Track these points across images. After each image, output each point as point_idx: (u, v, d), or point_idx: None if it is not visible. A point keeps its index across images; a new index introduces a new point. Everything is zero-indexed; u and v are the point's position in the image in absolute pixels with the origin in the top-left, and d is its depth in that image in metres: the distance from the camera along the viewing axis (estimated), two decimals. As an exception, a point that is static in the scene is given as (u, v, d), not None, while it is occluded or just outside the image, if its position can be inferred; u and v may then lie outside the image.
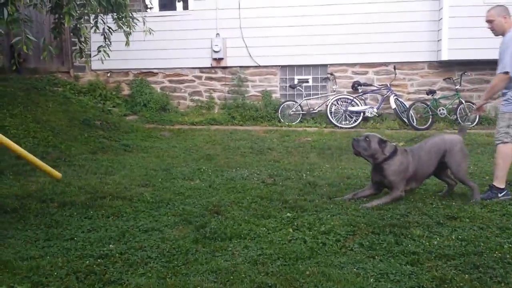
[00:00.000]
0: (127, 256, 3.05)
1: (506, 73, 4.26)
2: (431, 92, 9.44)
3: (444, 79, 9.68)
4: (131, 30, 7.47)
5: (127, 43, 7.49)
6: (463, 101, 9.18)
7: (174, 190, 4.62)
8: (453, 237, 3.32)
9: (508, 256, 2.98)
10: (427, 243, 3.21)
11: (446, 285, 2.61)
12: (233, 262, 2.93)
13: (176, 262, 2.95)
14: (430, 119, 9.15)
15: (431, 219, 3.72)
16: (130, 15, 7.46)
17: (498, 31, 4.45)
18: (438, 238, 3.31)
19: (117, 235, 3.42)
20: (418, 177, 4.38)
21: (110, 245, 3.23)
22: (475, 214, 3.82)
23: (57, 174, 3.17)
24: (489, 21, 4.48)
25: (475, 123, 9.08)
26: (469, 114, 9.17)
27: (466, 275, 2.72)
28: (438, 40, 9.36)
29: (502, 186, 4.37)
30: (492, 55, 8.92)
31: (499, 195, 4.35)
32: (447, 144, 4.37)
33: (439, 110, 9.28)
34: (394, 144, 4.46)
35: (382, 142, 4.27)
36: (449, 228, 3.52)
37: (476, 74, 9.63)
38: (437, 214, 3.84)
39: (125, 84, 10.58)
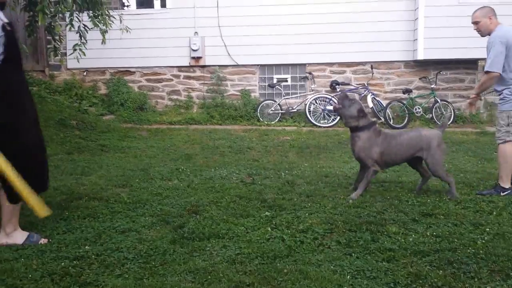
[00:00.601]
0: (103, 257, 3.02)
1: (487, 72, 4.36)
2: (407, 91, 9.59)
3: (420, 78, 9.84)
4: (108, 28, 7.38)
5: (104, 41, 7.40)
6: (439, 100, 9.36)
7: (152, 191, 4.59)
8: (428, 234, 3.38)
9: (481, 251, 3.04)
10: (403, 240, 3.26)
11: (421, 281, 2.65)
12: (211, 261, 2.92)
13: (153, 263, 2.93)
14: (407, 118, 9.30)
15: (407, 216, 3.78)
16: (106, 12, 7.37)
17: (484, 32, 4.53)
18: (413, 235, 3.37)
19: (93, 237, 3.38)
20: (381, 161, 4.38)
21: (86, 247, 3.18)
22: (450, 211, 3.90)
23: (43, 211, 3.08)
24: (475, 23, 4.57)
25: (450, 121, 9.25)
26: (444, 112, 9.35)
27: (441, 271, 2.77)
28: (414, 40, 9.52)
29: (507, 186, 4.44)
30: (467, 54, 9.23)
31: (502, 194, 4.42)
32: (424, 140, 4.35)
33: (415, 109, 9.43)
34: (374, 120, 4.48)
35: (361, 112, 4.34)
36: (424, 225, 3.58)
37: (451, 73, 9.82)
38: (413, 211, 3.91)
39: (101, 83, 10.43)
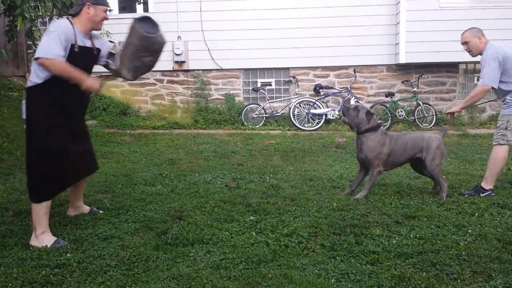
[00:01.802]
0: (85, 265, 2.98)
1: (488, 86, 4.44)
2: (390, 94, 9.69)
3: (402, 82, 9.95)
4: (88, 33, 7.30)
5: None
6: (421, 103, 9.47)
7: (135, 196, 4.54)
8: (411, 236, 3.41)
9: (463, 253, 3.08)
10: (387, 242, 3.28)
11: (404, 283, 2.67)
12: (195, 267, 2.90)
13: (136, 270, 2.89)
14: (389, 121, 9.38)
15: (390, 218, 3.81)
16: (87, 17, 7.29)
17: (475, 52, 4.64)
18: (397, 237, 3.39)
19: (75, 244, 3.34)
20: (388, 162, 4.54)
21: (68, 254, 3.14)
22: (433, 213, 3.94)
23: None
24: (464, 43, 4.66)
25: (432, 124, 9.37)
26: (426, 115, 9.46)
27: (424, 273, 2.80)
28: (396, 44, 9.62)
29: (488, 187, 4.53)
30: (448, 58, 9.36)
31: (481, 195, 4.50)
32: (425, 141, 4.54)
33: (398, 112, 9.53)
34: (380, 121, 4.63)
35: (369, 114, 4.49)
36: (408, 227, 3.61)
37: (433, 76, 9.95)
38: (396, 213, 3.93)
39: (84, 88, 10.30)
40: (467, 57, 9.53)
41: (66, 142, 3.38)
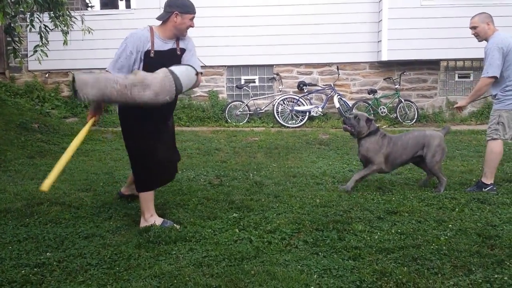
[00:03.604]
0: (65, 264, 2.94)
1: (491, 77, 4.49)
2: (373, 91, 9.77)
3: (384, 79, 10.04)
4: (69, 29, 7.21)
5: (66, 42, 7.23)
6: (402, 100, 9.57)
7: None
8: (393, 231, 3.44)
9: (444, 247, 3.12)
10: (369, 238, 3.31)
11: (386, 278, 2.69)
12: (177, 265, 2.88)
13: (117, 268, 2.86)
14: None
15: (372, 214, 3.84)
16: (68, 13, 7.20)
17: (481, 37, 4.66)
18: (378, 233, 3.41)
19: (55, 243, 3.28)
20: (389, 162, 4.68)
21: (48, 253, 3.09)
22: (414, 208, 3.98)
23: (45, 185, 3.25)
24: (472, 27, 4.67)
25: (413, 121, 9.47)
26: (408, 113, 9.56)
27: (405, 268, 2.82)
28: (378, 41, 9.70)
29: (489, 182, 4.59)
30: (429, 55, 9.47)
31: (484, 189, 4.56)
32: (427, 138, 4.68)
33: (380, 109, 9.62)
34: (378, 125, 4.83)
35: (369, 120, 4.68)
36: (389, 223, 3.64)
37: (414, 73, 10.06)
38: (378, 209, 3.96)
39: (64, 85, 10.16)
40: (448, 55, 9.74)
41: (154, 141, 3.56)
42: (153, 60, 3.39)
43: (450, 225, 3.56)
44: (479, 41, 4.73)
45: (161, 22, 3.52)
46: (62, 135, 7.68)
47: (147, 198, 3.60)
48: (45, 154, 6.52)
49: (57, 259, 2.98)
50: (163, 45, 3.47)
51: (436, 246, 3.14)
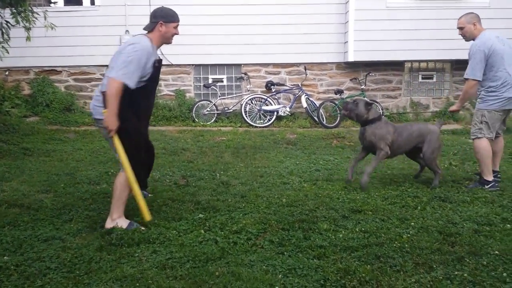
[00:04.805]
0: (23, 268, 2.84)
1: (474, 80, 4.58)
2: (339, 91, 9.88)
3: (350, 79, 10.17)
4: (31, 26, 6.98)
5: (28, 39, 7.00)
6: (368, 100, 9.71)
7: (78, 196, 4.36)
8: (357, 230, 3.48)
9: (406, 245, 3.17)
10: (333, 237, 3.33)
11: (349, 276, 2.71)
12: (139, 268, 2.82)
13: (77, 272, 2.78)
14: (338, 118, 9.56)
15: (337, 213, 3.87)
16: (30, 9, 6.97)
17: (468, 37, 4.75)
18: (343, 231, 3.44)
19: (13, 246, 3.17)
20: (393, 150, 4.76)
21: (5, 257, 2.98)
22: (378, 206, 4.04)
23: (148, 215, 3.52)
24: (459, 28, 4.75)
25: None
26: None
27: (368, 266, 2.85)
28: (345, 42, 9.81)
29: (490, 179, 4.67)
30: (394, 56, 9.65)
31: (486, 186, 4.64)
32: (429, 131, 4.81)
33: (347, 109, 9.72)
34: (380, 112, 4.85)
35: (368, 105, 4.74)
36: (354, 221, 3.68)
37: (380, 74, 10.23)
38: (343, 208, 4.00)
39: (25, 83, 9.82)
40: (412, 56, 9.94)
41: (144, 137, 3.75)
42: (156, 69, 3.60)
43: (413, 223, 3.63)
44: (466, 41, 4.83)
45: (147, 32, 3.67)
46: (22, 134, 7.42)
47: (123, 199, 3.56)
48: (3, 154, 6.27)
49: (14, 263, 2.89)
50: (156, 54, 3.66)
51: (399, 244, 3.19)
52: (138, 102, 3.53)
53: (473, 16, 4.71)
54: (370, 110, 4.72)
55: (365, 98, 4.93)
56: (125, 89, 3.36)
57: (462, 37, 4.83)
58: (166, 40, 3.70)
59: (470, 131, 4.85)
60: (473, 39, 4.71)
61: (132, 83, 3.37)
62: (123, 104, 3.40)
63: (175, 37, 3.81)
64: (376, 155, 4.71)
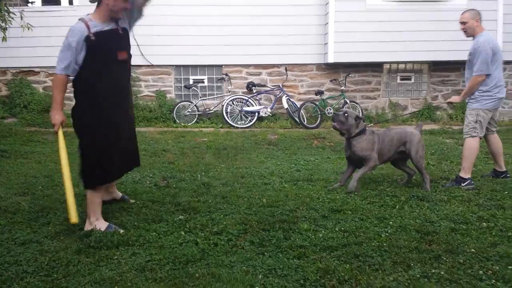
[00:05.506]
0: (0, 272, 2.78)
1: (484, 75, 4.64)
2: (319, 92, 9.96)
3: (330, 81, 10.26)
4: (7, 26, 6.87)
5: (4, 39, 6.89)
6: (348, 101, 9.81)
7: (57, 198, 4.29)
8: (337, 229, 3.51)
9: (385, 244, 3.21)
10: (313, 236, 3.35)
11: (329, 276, 2.74)
12: (118, 270, 2.79)
13: (55, 275, 2.74)
14: (319, 118, 9.64)
15: (317, 212, 3.90)
16: (6, 9, 6.86)
17: (469, 33, 4.81)
18: (323, 231, 3.47)
19: (-12, 250, 3.10)
20: (379, 157, 4.74)
21: (-20, 262, 2.91)
22: (357, 206, 4.08)
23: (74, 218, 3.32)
24: (462, 23, 4.79)
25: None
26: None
27: (347, 265, 2.88)
28: (325, 44, 9.89)
29: (467, 176, 4.76)
30: (373, 58, 9.76)
31: (462, 184, 4.72)
32: (408, 135, 4.80)
33: (327, 110, 9.81)
34: (365, 123, 4.89)
35: (358, 118, 4.69)
36: (333, 221, 3.71)
37: (359, 75, 10.35)
38: (323, 207, 4.03)
39: (2, 84, 9.64)
40: (391, 58, 10.07)
41: (112, 133, 3.63)
42: (96, 43, 3.44)
43: (391, 222, 3.68)
44: (466, 36, 4.89)
45: (95, 7, 3.57)
46: (0, 136, 7.28)
47: (95, 201, 3.54)
48: (-21, 156, 6.15)
49: (-10, 268, 2.82)
50: (102, 26, 3.51)
51: (377, 243, 3.23)
52: (96, 91, 3.51)
53: (476, 13, 4.78)
54: (359, 124, 4.69)
55: (354, 111, 4.93)
56: (83, 81, 3.46)
57: (463, 33, 4.87)
58: (115, 14, 3.54)
59: (463, 130, 4.94)
60: (473, 36, 4.79)
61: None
62: (79, 99, 3.52)
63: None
64: (365, 164, 4.69)
